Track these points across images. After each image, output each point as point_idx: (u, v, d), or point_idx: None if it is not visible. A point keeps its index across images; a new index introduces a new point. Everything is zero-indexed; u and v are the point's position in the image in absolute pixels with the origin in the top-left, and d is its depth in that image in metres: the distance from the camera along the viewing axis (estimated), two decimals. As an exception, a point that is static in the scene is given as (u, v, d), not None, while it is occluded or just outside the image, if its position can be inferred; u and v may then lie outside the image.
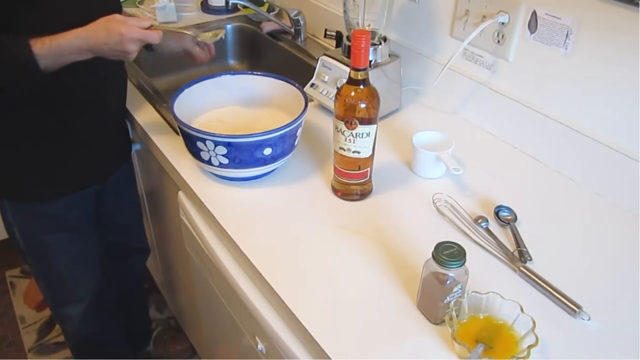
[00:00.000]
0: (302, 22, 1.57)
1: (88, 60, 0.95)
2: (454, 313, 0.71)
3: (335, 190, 0.99)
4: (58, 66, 0.91)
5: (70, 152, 1.09)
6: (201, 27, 1.66)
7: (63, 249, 1.21)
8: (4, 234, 1.19)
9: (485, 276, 0.82)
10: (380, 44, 1.16)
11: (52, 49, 0.89)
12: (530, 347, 0.67)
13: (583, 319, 0.76)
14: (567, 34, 0.97)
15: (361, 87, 0.87)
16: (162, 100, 1.28)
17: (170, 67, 1.62)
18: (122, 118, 1.24)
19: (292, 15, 1.56)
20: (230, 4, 1.52)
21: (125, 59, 0.96)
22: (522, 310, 0.71)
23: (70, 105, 1.05)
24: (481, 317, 0.73)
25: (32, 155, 1.06)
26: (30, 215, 1.14)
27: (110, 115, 1.18)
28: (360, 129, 0.89)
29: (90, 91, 1.07)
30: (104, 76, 1.10)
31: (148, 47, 1.17)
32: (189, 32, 1.10)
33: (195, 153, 0.98)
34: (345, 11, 1.16)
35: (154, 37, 0.93)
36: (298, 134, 1.01)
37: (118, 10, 1.09)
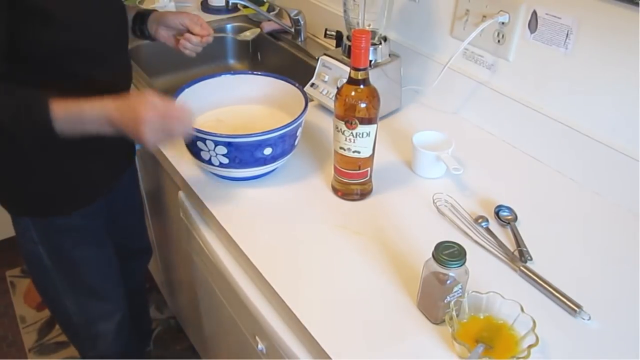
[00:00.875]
0: (302, 22, 1.57)
1: (102, 72, 0.93)
2: (454, 313, 0.71)
3: (335, 190, 0.99)
4: (75, 133, 0.85)
5: (88, 162, 1.06)
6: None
7: (92, 261, 1.18)
8: (4, 234, 1.18)
9: (485, 276, 0.82)
10: (381, 43, 1.16)
11: (73, 114, 0.84)
12: (530, 346, 0.67)
13: (583, 319, 0.76)
14: (567, 34, 0.98)
15: (361, 86, 0.87)
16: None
17: (170, 67, 1.62)
18: None
19: (292, 15, 1.56)
20: (230, 3, 1.51)
21: (143, 145, 0.87)
22: (522, 309, 0.71)
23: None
24: (481, 317, 0.73)
25: (53, 171, 1.03)
26: (56, 230, 1.10)
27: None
28: (361, 128, 0.89)
29: None
30: (115, 92, 1.07)
31: (144, 35, 1.18)
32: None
33: (196, 153, 0.98)
34: (345, 11, 1.16)
35: (179, 132, 0.87)
36: (298, 133, 1.01)
37: (125, 24, 1.07)
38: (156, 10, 1.18)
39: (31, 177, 1.02)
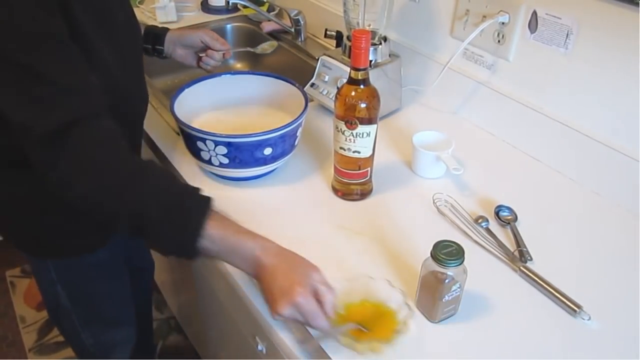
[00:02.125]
0: (302, 22, 1.57)
1: (131, 107, 0.89)
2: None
3: (335, 190, 0.99)
4: (212, 258, 0.75)
5: None
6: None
7: (110, 293, 1.14)
8: (4, 234, 1.16)
9: (485, 276, 0.82)
10: (381, 43, 1.16)
11: (228, 240, 0.72)
12: (406, 318, 0.71)
13: (583, 319, 0.76)
14: (567, 34, 0.98)
15: (361, 87, 0.87)
16: (162, 100, 1.28)
17: (170, 67, 1.61)
18: (141, 141, 1.15)
19: (292, 15, 1.56)
20: (230, 3, 1.52)
21: (270, 311, 0.73)
22: (390, 284, 0.75)
23: None
24: (357, 302, 0.75)
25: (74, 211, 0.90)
26: (77, 268, 1.04)
27: (137, 147, 1.11)
28: (361, 128, 0.89)
29: (124, 135, 0.91)
30: (138, 115, 1.02)
31: (160, 54, 1.17)
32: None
33: (196, 153, 0.98)
34: (345, 11, 1.16)
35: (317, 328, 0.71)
36: (298, 133, 1.01)
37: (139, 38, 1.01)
38: (169, 29, 1.17)
39: (53, 219, 0.94)
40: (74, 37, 0.73)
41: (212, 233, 0.71)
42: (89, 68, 0.74)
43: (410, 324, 0.71)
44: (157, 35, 1.15)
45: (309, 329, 0.73)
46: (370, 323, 0.73)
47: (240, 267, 0.75)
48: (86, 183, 0.71)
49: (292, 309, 0.69)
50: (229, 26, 1.73)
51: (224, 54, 1.17)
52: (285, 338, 0.81)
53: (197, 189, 0.75)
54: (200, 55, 1.18)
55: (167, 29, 1.17)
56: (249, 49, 1.10)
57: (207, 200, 0.74)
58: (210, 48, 1.16)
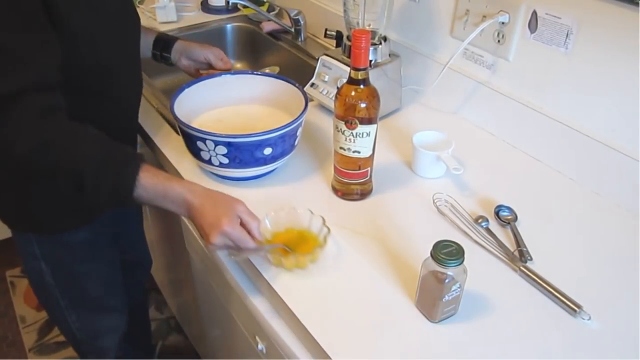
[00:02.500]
0: (302, 22, 1.57)
1: (124, 92, 0.95)
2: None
3: (335, 190, 0.99)
4: (148, 204, 0.83)
5: None
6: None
7: (96, 276, 1.16)
8: (4, 234, 1.17)
9: (485, 276, 0.82)
10: (381, 43, 1.16)
11: (159, 187, 0.81)
12: (325, 236, 0.84)
13: (583, 319, 0.76)
14: (567, 34, 0.97)
15: (361, 86, 0.87)
16: (162, 100, 1.28)
17: (170, 67, 1.61)
18: (136, 134, 1.20)
19: (292, 15, 1.56)
20: (230, 3, 1.52)
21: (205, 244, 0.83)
22: (312, 212, 0.87)
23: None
24: (283, 231, 0.87)
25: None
26: (60, 246, 1.08)
27: (133, 139, 1.15)
28: (361, 128, 0.89)
29: (120, 123, 1.02)
30: (133, 104, 1.07)
31: (167, 61, 1.20)
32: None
33: (196, 153, 0.98)
34: (345, 11, 1.16)
35: (248, 251, 0.82)
36: (298, 133, 1.01)
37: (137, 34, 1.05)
38: (178, 38, 1.20)
39: (37, 193, 0.99)
40: (51, 16, 0.79)
41: (145, 182, 0.80)
42: (70, 45, 0.82)
43: (329, 240, 0.84)
44: (166, 42, 1.19)
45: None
46: (295, 245, 0.85)
47: (173, 210, 0.83)
48: (26, 143, 0.77)
49: (222, 237, 0.79)
50: (229, 26, 1.73)
51: None
52: (286, 338, 0.81)
53: (127, 147, 0.84)
54: (202, 71, 1.21)
55: (176, 38, 1.20)
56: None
57: (138, 155, 0.84)
58: (212, 67, 1.19)
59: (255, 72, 1.13)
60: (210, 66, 1.20)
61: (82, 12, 0.84)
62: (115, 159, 0.81)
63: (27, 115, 0.77)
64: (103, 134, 0.83)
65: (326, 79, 1.20)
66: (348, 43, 1.18)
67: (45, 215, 1.03)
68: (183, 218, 1.11)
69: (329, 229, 0.85)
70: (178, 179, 0.84)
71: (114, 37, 0.93)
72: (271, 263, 0.84)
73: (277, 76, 1.11)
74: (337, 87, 1.12)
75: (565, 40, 0.98)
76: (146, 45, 1.16)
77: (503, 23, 1.07)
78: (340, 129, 0.90)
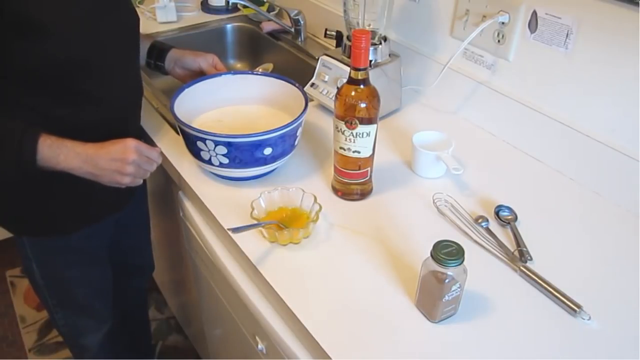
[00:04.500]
0: (302, 22, 1.57)
1: (111, 87, 0.95)
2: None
3: (335, 190, 0.99)
4: (52, 169, 0.89)
5: (92, 183, 0.96)
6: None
7: (84, 280, 1.18)
8: (4, 234, 1.17)
9: (485, 276, 0.82)
10: (381, 43, 1.16)
11: (54, 147, 0.87)
12: (317, 212, 0.88)
13: (583, 319, 0.76)
14: (567, 34, 0.98)
15: (361, 86, 0.87)
16: (162, 100, 1.28)
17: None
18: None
19: (292, 15, 1.56)
20: (230, 3, 1.52)
21: (119, 184, 0.95)
22: (304, 191, 0.91)
23: (94, 141, 0.96)
24: (276, 209, 0.91)
25: (56, 191, 1.01)
26: (51, 250, 1.10)
27: None
28: (361, 128, 0.89)
29: (112, 127, 1.00)
30: (125, 106, 1.06)
31: (161, 70, 1.20)
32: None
33: (196, 153, 0.98)
34: (345, 11, 1.16)
35: (153, 158, 0.95)
36: (298, 133, 1.01)
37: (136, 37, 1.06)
38: (173, 47, 1.20)
39: (30, 197, 1.00)
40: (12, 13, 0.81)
41: (40, 148, 0.86)
42: (36, 38, 0.83)
43: (320, 216, 0.88)
44: (160, 51, 1.19)
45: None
46: (288, 222, 0.89)
47: (77, 166, 0.90)
48: None
49: (136, 151, 0.91)
50: (229, 26, 1.73)
51: None
52: (286, 338, 0.81)
53: (20, 123, 0.87)
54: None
55: (171, 47, 1.20)
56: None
57: (33, 130, 0.87)
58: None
59: (255, 72, 1.13)
60: (204, 74, 1.18)
61: (48, 4, 0.84)
62: (12, 139, 0.85)
63: None
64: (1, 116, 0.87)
65: (326, 79, 1.20)
66: (348, 43, 1.18)
67: (37, 219, 1.04)
68: (183, 218, 1.11)
69: (320, 206, 0.89)
70: (72, 141, 0.89)
71: (91, 33, 0.91)
72: (264, 237, 0.88)
73: (277, 76, 1.11)
74: (337, 87, 1.12)
75: (565, 40, 0.98)
76: (140, 52, 1.15)
77: (503, 23, 1.07)
78: (340, 129, 0.90)
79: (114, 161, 0.91)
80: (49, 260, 1.11)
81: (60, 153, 0.88)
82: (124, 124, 1.04)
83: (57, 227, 1.06)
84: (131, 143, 0.92)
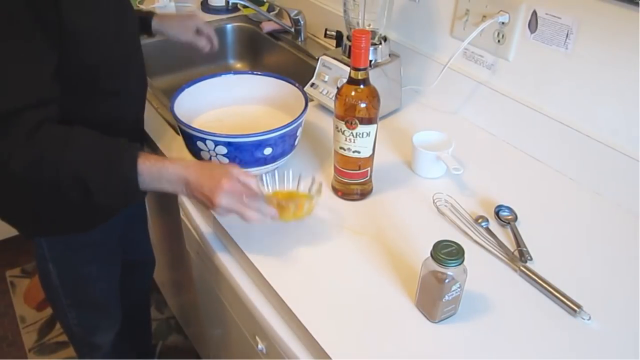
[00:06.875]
0: (302, 22, 1.57)
1: (127, 83, 0.95)
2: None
3: (335, 190, 0.99)
4: (149, 189, 0.84)
5: None
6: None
7: (101, 276, 1.18)
8: (4, 234, 1.17)
9: (485, 276, 0.82)
10: (381, 43, 1.16)
11: (153, 170, 0.81)
12: (318, 188, 0.89)
13: (583, 319, 0.76)
14: (567, 34, 0.98)
15: (361, 86, 0.87)
16: (162, 100, 1.28)
17: (170, 67, 1.62)
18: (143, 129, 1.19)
19: (292, 15, 1.56)
20: (230, 3, 1.52)
21: (212, 209, 0.84)
22: (300, 175, 0.93)
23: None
24: (273, 193, 0.92)
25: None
26: (70, 248, 1.09)
27: (139, 133, 1.15)
28: (361, 128, 0.89)
29: (128, 122, 1.03)
30: (140, 100, 1.07)
31: (148, 32, 1.21)
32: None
33: (196, 153, 0.98)
34: (345, 11, 1.16)
35: (250, 216, 0.82)
36: (298, 133, 1.01)
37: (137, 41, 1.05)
38: (154, 14, 1.21)
39: (47, 198, 0.98)
40: (47, 19, 0.78)
41: (140, 169, 0.80)
42: (71, 46, 0.81)
43: (321, 191, 0.90)
44: (143, 20, 1.20)
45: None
46: (291, 201, 0.89)
47: (171, 190, 0.84)
48: (18, 161, 0.77)
49: (226, 195, 0.80)
50: (229, 26, 1.73)
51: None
52: (286, 338, 0.81)
53: (117, 139, 0.83)
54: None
55: (151, 15, 1.21)
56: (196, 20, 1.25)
57: (130, 144, 0.82)
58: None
59: (255, 72, 1.13)
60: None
61: (81, 11, 0.83)
62: (110, 156, 0.81)
63: (20, 132, 0.77)
64: (91, 132, 0.82)
65: (326, 79, 1.20)
66: (348, 43, 1.18)
67: (56, 218, 1.03)
68: (183, 218, 1.11)
69: (320, 184, 0.90)
70: (171, 159, 0.85)
71: (115, 34, 0.92)
72: (278, 217, 0.86)
73: (277, 76, 1.10)
74: (337, 87, 1.12)
75: (565, 40, 0.98)
76: None
77: (503, 23, 1.07)
78: (340, 129, 0.90)
79: (206, 188, 0.82)
80: (67, 259, 1.11)
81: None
82: (136, 117, 1.07)
83: (76, 225, 1.06)
84: (227, 172, 0.84)
